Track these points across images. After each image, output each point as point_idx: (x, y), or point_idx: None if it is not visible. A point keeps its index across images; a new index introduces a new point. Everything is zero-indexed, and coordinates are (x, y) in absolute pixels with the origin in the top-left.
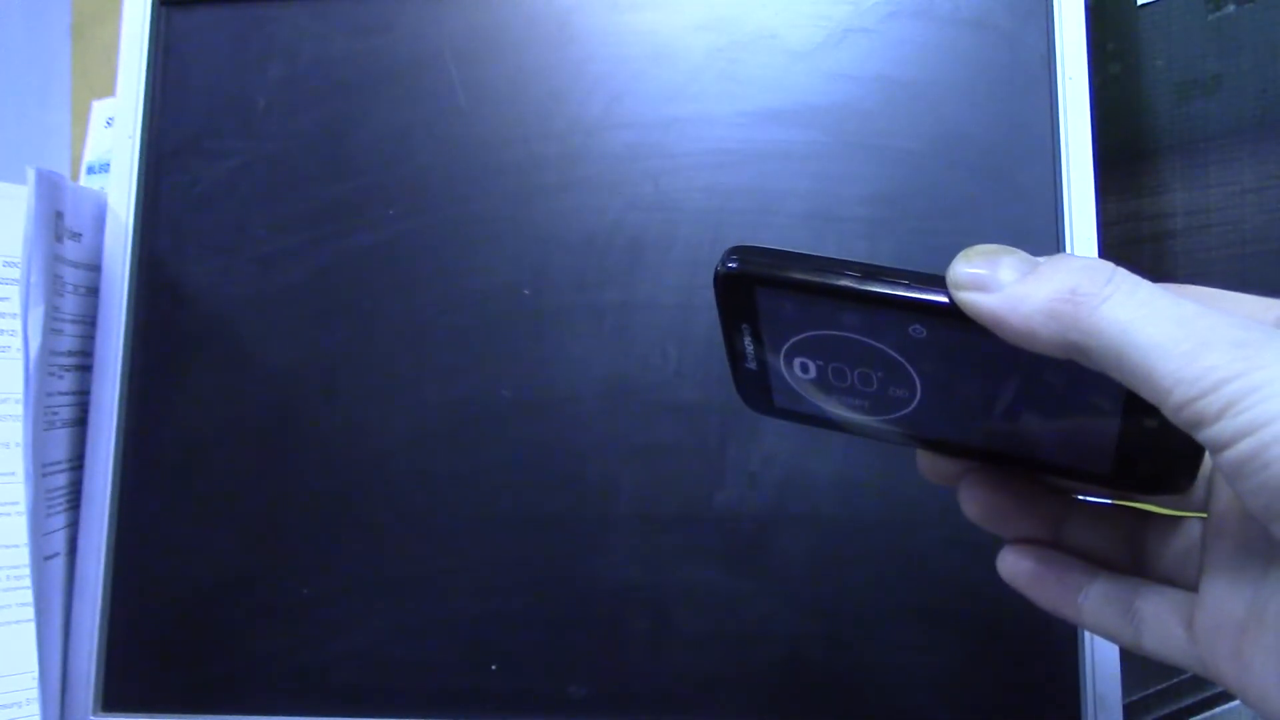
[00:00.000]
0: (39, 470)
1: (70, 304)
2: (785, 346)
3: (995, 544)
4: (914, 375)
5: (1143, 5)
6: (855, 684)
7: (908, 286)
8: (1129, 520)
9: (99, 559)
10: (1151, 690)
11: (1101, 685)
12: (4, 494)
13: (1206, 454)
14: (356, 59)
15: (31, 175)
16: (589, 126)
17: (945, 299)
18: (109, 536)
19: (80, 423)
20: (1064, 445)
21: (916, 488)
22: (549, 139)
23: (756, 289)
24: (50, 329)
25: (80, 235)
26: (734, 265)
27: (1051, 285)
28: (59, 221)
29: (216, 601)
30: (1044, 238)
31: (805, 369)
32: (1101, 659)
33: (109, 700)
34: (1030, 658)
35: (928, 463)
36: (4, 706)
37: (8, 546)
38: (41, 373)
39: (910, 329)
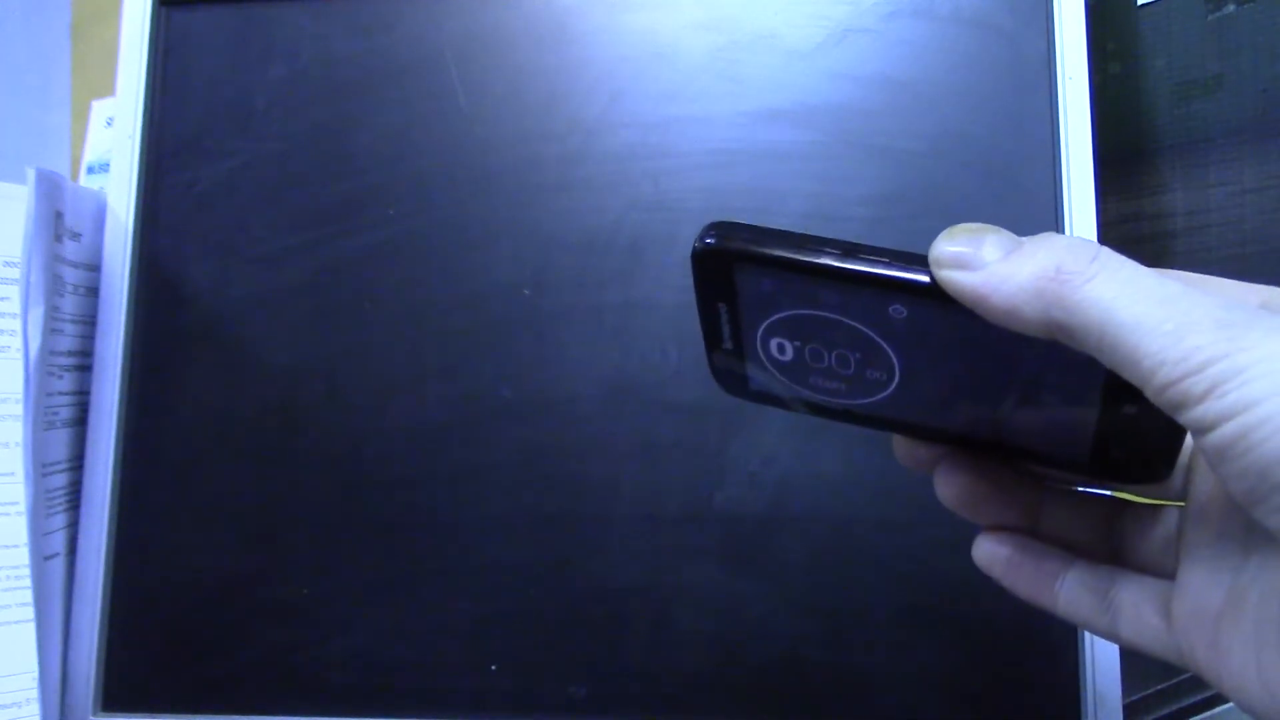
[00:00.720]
0: (39, 470)
1: (70, 304)
2: (763, 326)
3: None
4: (893, 357)
5: (1143, 5)
6: (855, 684)
7: (889, 264)
8: (1106, 509)
9: (99, 559)
10: (1151, 690)
11: (1101, 685)
12: (4, 494)
13: (1184, 444)
14: (356, 59)
15: (31, 175)
16: (589, 126)
17: (927, 278)
18: (109, 536)
19: (80, 423)
20: (1042, 432)
21: (917, 488)
22: (549, 139)
23: (735, 266)
24: (50, 329)
25: (80, 235)
26: (712, 241)
27: (1036, 263)
28: (59, 221)
29: (216, 601)
30: None
31: (782, 350)
32: (1102, 659)
33: (109, 700)
34: (1030, 657)
35: (904, 448)
36: (4, 706)
37: (8, 546)
38: (41, 373)
39: (891, 308)
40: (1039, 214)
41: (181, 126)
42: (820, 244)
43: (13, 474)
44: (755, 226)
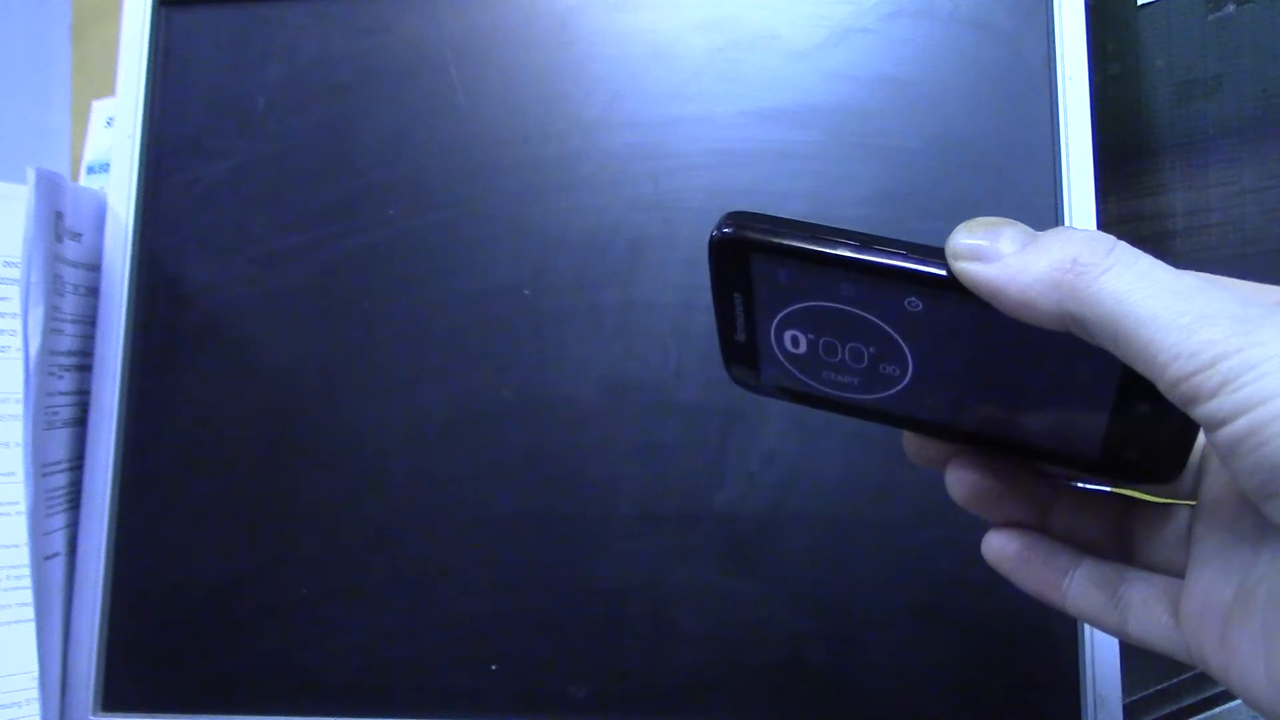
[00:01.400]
0: (39, 470)
1: (70, 304)
2: (777, 318)
3: None
4: (906, 352)
5: (1143, 5)
6: (855, 684)
7: (906, 256)
8: (1117, 506)
9: (99, 559)
10: (1151, 690)
11: (1101, 685)
12: (4, 494)
13: (1196, 442)
14: (356, 59)
15: (31, 175)
16: (589, 126)
17: (944, 270)
18: (109, 536)
19: (80, 423)
20: (1054, 430)
21: (916, 488)
22: (549, 139)
23: (751, 255)
24: (50, 329)
25: (80, 235)
26: (730, 230)
27: (1052, 255)
28: (59, 221)
29: (216, 601)
30: None
31: (796, 342)
32: (1102, 658)
33: (109, 700)
34: (1030, 657)
35: (914, 445)
36: (4, 706)
37: (8, 546)
38: (41, 373)
39: (906, 301)
40: (1039, 214)
41: (181, 126)
42: (837, 235)
43: (13, 474)
44: (773, 216)
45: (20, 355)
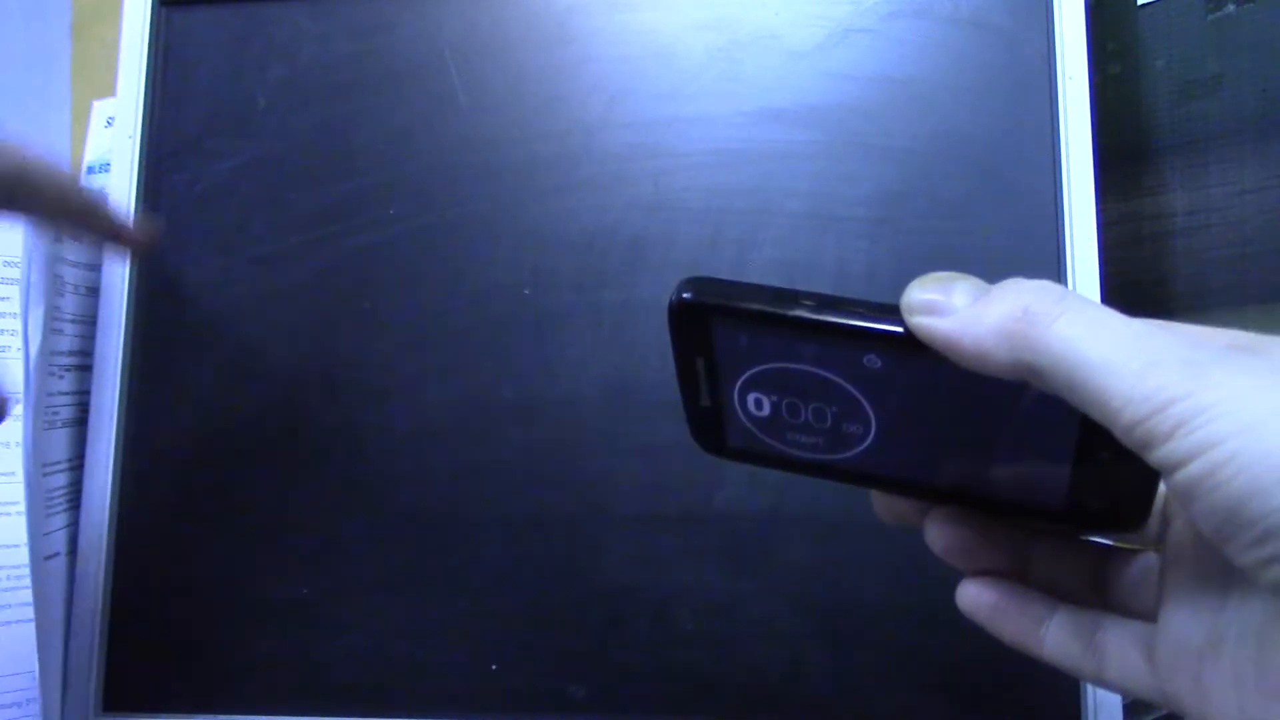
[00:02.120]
0: (39, 470)
1: (70, 304)
2: (740, 381)
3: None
4: (869, 411)
5: (1143, 5)
6: (855, 684)
7: (862, 315)
8: (1094, 553)
9: (99, 559)
10: None
11: None
12: (4, 494)
13: (1160, 490)
14: (356, 59)
15: None
16: (589, 126)
17: (900, 327)
18: (109, 536)
19: (80, 423)
20: (1019, 482)
21: None
22: (549, 139)
23: (712, 319)
24: (50, 329)
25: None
26: (689, 296)
27: (1004, 306)
28: None
29: (216, 601)
30: (1044, 238)
31: (759, 405)
32: None
33: (109, 700)
34: (1030, 657)
35: (883, 504)
36: (4, 706)
37: (8, 546)
38: (41, 373)
39: (866, 359)
40: (1039, 214)
41: (181, 126)
42: (795, 297)
43: (13, 474)
44: (730, 281)
45: (20, 355)
